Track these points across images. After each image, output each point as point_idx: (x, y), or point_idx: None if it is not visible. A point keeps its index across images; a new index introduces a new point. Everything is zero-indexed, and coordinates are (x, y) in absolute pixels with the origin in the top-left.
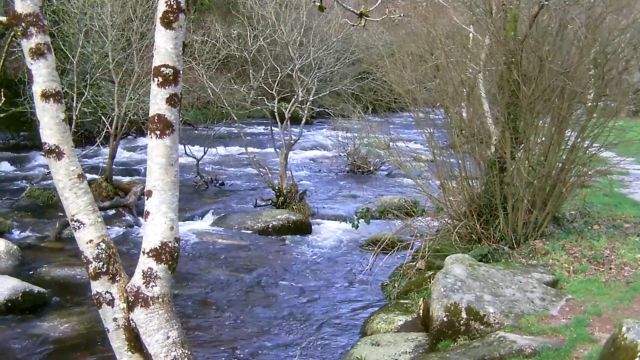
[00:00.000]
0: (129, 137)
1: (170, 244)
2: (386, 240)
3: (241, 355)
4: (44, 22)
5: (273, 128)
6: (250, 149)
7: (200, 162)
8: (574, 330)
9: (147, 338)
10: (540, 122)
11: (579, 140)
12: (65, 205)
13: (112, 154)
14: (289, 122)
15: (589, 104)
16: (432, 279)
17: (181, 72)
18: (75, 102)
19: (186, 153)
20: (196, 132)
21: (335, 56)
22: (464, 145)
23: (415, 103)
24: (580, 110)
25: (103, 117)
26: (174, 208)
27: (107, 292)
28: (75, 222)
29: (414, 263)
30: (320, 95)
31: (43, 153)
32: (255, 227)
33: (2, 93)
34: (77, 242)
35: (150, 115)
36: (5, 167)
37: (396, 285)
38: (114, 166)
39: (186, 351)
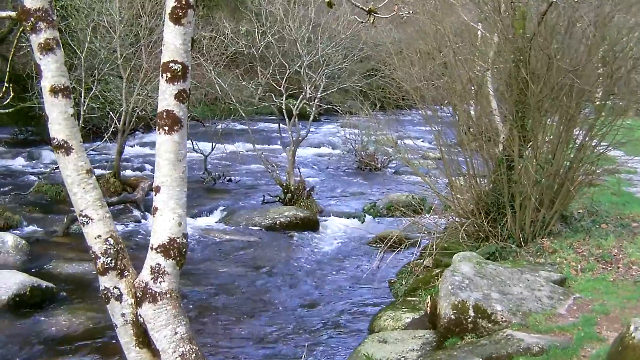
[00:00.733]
0: (136, 132)
1: (178, 240)
2: (393, 237)
3: (248, 351)
4: (53, 17)
5: (281, 125)
6: (257, 146)
7: (207, 158)
8: (582, 329)
9: (155, 333)
10: (549, 120)
11: (587, 138)
12: (74, 200)
13: (120, 150)
14: (296, 119)
15: (597, 103)
16: (440, 277)
17: (190, 68)
18: (83, 97)
19: (194, 149)
20: (204, 128)
21: (343, 53)
22: (471, 143)
23: (423, 100)
24: (589, 109)
25: (111, 113)
26: (182, 204)
27: (115, 287)
28: (83, 217)
29: (422, 260)
30: (328, 92)
31: (50, 148)
32: (262, 223)
33: (10, 88)
34: (86, 238)
35: (158, 111)
36: (14, 162)
37: (403, 282)
38: (121, 162)
39: (194, 347)
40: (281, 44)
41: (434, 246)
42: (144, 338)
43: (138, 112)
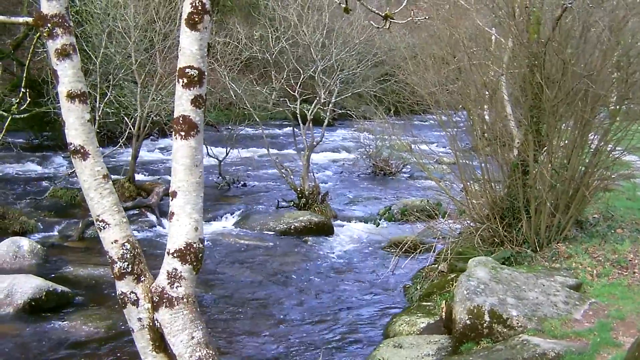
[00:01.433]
0: (151, 137)
1: (194, 245)
2: (408, 242)
3: (263, 356)
4: (69, 23)
5: (295, 130)
6: (272, 151)
7: (222, 163)
8: (598, 334)
9: (172, 338)
10: (564, 125)
11: (602, 143)
12: (91, 205)
13: (135, 155)
14: (311, 124)
15: (612, 107)
16: (455, 282)
17: (206, 74)
18: (98, 102)
19: (208, 154)
20: (218, 133)
21: (357, 58)
22: (486, 148)
23: (438, 105)
24: (604, 114)
25: (126, 118)
26: (198, 209)
27: (132, 292)
28: (100, 222)
29: (436, 265)
30: (342, 97)
31: (65, 153)
32: (277, 228)
33: (27, 93)
34: (102, 242)
35: (175, 117)
36: (29, 167)
37: (418, 287)
38: (136, 167)
39: (210, 352)
40: (295, 49)
41: (449, 251)
42: (160, 343)
43: (152, 117)
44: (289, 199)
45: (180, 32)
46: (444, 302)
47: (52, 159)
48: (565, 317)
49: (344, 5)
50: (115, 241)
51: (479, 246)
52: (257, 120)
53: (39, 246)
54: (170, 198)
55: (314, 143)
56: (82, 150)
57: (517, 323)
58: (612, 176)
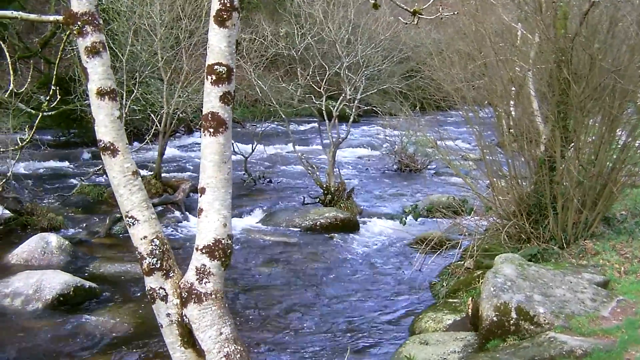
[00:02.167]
0: (177, 134)
1: (223, 241)
2: (434, 239)
3: (289, 351)
4: (99, 21)
5: (320, 126)
6: (297, 147)
7: (248, 159)
8: (626, 332)
9: (200, 334)
10: (591, 120)
11: (630, 139)
12: (120, 201)
13: (161, 151)
14: (336, 120)
15: None
16: (481, 279)
17: (234, 71)
18: (124, 99)
19: (234, 150)
20: (244, 129)
21: (383, 54)
22: (512, 144)
23: (464, 101)
24: (632, 109)
25: (152, 115)
26: (227, 205)
27: (161, 287)
28: (129, 218)
29: (463, 262)
30: (367, 93)
31: (91, 150)
32: (303, 224)
33: (57, 91)
34: (132, 239)
35: (203, 113)
36: (56, 164)
37: (445, 284)
38: (162, 163)
39: (239, 347)
40: (321, 46)
41: (475, 248)
42: (189, 338)
43: (179, 114)
44: (314, 196)
45: (208, 29)
46: (470, 298)
47: (79, 156)
48: (592, 314)
49: (372, 1)
50: (145, 237)
51: (506, 243)
52: (283, 116)
53: (66, 242)
54: (199, 194)
55: (340, 139)
56: (111, 147)
57: (544, 320)
58: None
